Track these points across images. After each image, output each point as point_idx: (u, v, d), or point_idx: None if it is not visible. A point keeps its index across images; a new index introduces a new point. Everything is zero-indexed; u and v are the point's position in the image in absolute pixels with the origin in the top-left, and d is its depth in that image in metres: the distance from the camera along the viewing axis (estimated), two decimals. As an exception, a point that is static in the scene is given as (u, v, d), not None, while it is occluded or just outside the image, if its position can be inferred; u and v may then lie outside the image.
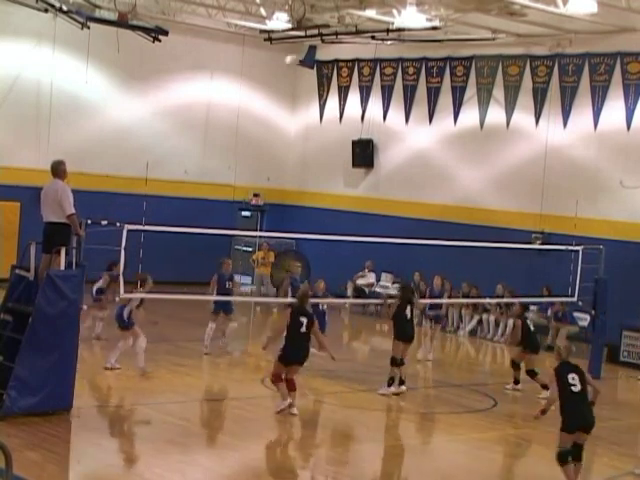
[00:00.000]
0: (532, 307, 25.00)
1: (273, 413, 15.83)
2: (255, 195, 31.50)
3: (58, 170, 14.01)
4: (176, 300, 22.48)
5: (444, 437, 15.35)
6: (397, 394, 17.18)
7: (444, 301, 25.69)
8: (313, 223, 29.41)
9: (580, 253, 20.30)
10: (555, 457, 12.00)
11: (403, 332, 17.50)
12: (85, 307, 14.16)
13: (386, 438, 14.86)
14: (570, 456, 11.97)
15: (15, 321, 13.92)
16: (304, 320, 15.23)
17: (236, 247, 30.91)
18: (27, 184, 24.71)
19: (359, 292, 28.04)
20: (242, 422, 14.91)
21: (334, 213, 30.39)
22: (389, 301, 18.71)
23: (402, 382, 17.35)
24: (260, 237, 29.52)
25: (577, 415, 11.87)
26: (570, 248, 20.80)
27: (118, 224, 14.55)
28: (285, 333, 15.51)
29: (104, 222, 14.56)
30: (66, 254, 13.83)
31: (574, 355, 23.50)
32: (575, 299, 20.68)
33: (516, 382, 18.55)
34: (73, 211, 13.73)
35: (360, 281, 28.31)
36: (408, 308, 17.67)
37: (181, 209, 28.68)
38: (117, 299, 15.39)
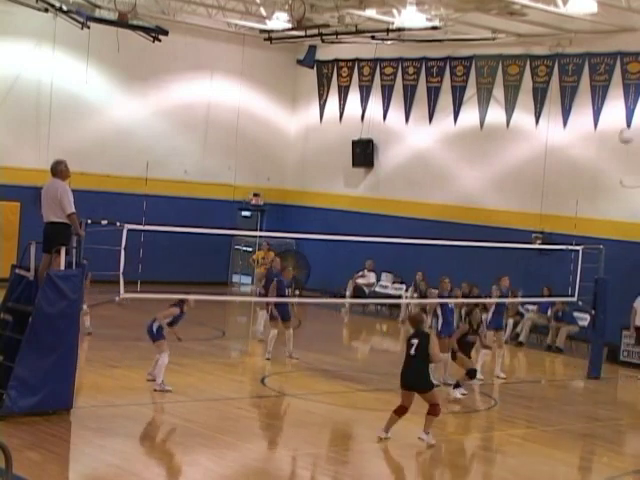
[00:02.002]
0: (531, 307, 25.06)
1: (273, 413, 15.82)
2: (255, 195, 31.50)
3: (57, 170, 14.00)
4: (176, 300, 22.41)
5: (444, 437, 15.34)
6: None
7: (440, 301, 25.69)
8: (313, 223, 29.43)
9: (580, 253, 20.29)
10: None
11: None
12: (85, 307, 14.14)
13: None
14: None
15: (15, 321, 13.91)
16: (415, 342, 13.91)
17: (236, 247, 30.92)
18: (27, 184, 24.72)
19: (359, 292, 28.03)
20: (242, 422, 14.91)
21: (334, 213, 30.39)
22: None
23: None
24: (260, 237, 29.51)
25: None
26: (570, 248, 20.80)
27: (118, 224, 14.54)
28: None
29: (104, 222, 14.55)
30: (66, 254, 13.83)
31: (574, 355, 23.63)
32: (575, 299, 20.67)
33: None
34: (73, 210, 13.72)
35: (360, 281, 28.32)
36: None
37: (181, 209, 28.68)
38: (117, 299, 15.30)
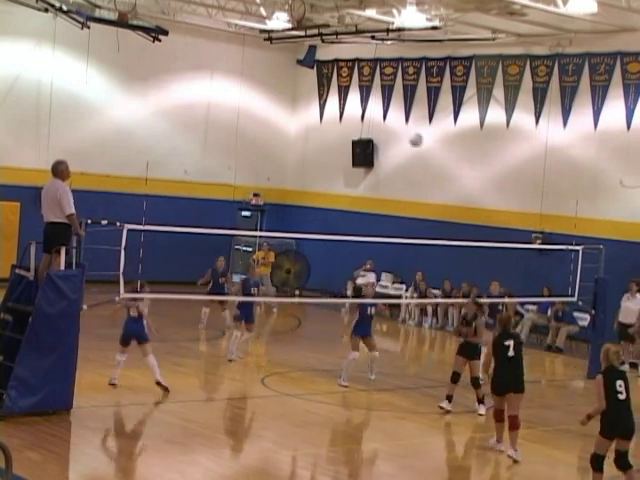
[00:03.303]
0: (531, 307, 25.07)
1: (273, 413, 15.81)
2: (255, 195, 31.50)
3: (58, 170, 14.02)
4: (176, 300, 22.45)
5: (444, 437, 15.35)
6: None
7: (440, 301, 25.73)
8: (313, 223, 29.43)
9: (580, 253, 20.30)
10: (589, 460, 11.78)
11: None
12: (85, 307, 14.15)
13: (386, 438, 14.85)
14: (603, 462, 11.63)
15: (15, 321, 13.92)
16: (510, 343, 13.88)
17: (236, 247, 30.91)
18: (27, 184, 24.71)
19: (359, 292, 28.00)
20: (242, 422, 14.91)
21: (334, 213, 30.39)
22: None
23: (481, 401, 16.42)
24: (260, 237, 29.52)
25: (619, 422, 11.55)
26: (570, 248, 20.80)
27: (118, 224, 14.55)
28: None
29: (104, 222, 14.56)
30: (66, 254, 13.83)
31: (574, 355, 23.62)
32: (575, 299, 20.68)
33: None
34: (73, 211, 13.73)
35: (360, 281, 28.30)
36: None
37: (181, 209, 28.69)
38: (117, 299, 15.32)
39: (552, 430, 15.80)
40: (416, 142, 24.78)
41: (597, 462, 11.70)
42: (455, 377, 16.30)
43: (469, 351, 16.26)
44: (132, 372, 17.45)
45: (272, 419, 15.36)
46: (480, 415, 16.17)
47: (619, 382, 11.61)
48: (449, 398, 16.32)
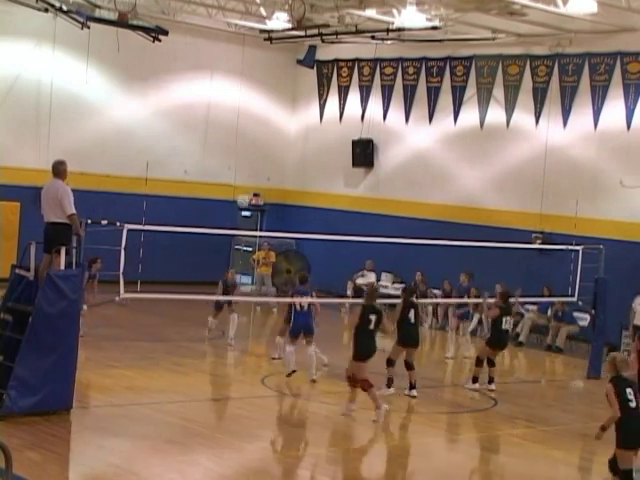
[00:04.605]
0: (531, 307, 25.07)
1: (273, 413, 15.82)
2: (255, 195, 31.50)
3: (59, 170, 14.02)
4: (176, 300, 22.47)
5: (444, 437, 15.35)
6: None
7: (441, 301, 25.73)
8: (313, 223, 29.42)
9: (580, 253, 20.31)
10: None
11: (409, 337, 17.29)
12: (85, 307, 14.15)
13: (386, 438, 14.86)
14: (633, 476, 11.42)
15: (15, 321, 13.92)
16: (373, 317, 15.33)
17: (236, 247, 30.92)
18: (27, 184, 24.70)
19: (359, 292, 27.99)
20: (242, 422, 14.90)
21: (334, 213, 30.38)
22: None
23: (413, 386, 17.05)
24: (260, 237, 29.51)
25: (636, 431, 11.41)
26: (570, 248, 20.82)
27: (118, 224, 14.56)
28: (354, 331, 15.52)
29: (104, 222, 14.57)
30: (66, 254, 13.83)
31: (575, 355, 23.62)
32: (575, 299, 20.69)
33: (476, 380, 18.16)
34: (74, 211, 13.72)
35: (360, 281, 28.31)
36: (412, 312, 17.32)
37: (181, 209, 28.68)
38: (117, 299, 15.31)
39: (552, 430, 15.80)
40: None
41: (630, 478, 11.47)
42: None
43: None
44: (132, 372, 17.47)
45: (272, 419, 15.37)
46: (413, 397, 16.86)
47: (629, 390, 11.53)
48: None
